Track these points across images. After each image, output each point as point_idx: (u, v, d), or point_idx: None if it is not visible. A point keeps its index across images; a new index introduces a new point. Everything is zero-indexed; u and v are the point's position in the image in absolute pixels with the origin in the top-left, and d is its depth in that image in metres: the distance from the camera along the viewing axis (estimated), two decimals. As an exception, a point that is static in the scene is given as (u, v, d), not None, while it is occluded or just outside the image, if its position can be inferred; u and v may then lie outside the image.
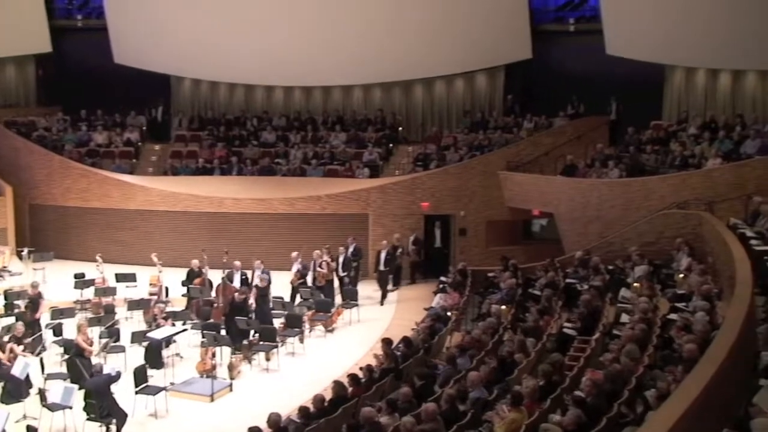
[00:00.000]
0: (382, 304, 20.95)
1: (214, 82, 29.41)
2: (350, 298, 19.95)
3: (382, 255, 21.73)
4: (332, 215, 23.45)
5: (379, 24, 26.24)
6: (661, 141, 21.98)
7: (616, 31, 23.30)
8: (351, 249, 21.39)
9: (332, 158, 25.93)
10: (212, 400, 14.54)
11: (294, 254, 20.42)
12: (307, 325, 18.37)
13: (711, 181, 19.17)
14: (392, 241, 22.15)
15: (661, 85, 23.98)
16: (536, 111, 25.45)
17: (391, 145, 26.51)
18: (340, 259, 20.91)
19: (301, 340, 17.72)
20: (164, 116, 29.02)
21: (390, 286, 21.74)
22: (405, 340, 14.48)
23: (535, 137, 24.25)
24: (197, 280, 19.30)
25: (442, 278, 20.19)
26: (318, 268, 20.29)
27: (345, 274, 20.85)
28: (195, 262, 19.68)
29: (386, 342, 14.02)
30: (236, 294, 17.88)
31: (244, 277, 19.56)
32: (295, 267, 20.33)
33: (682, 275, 15.86)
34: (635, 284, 16.06)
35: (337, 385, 12.09)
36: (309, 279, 20.25)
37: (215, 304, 18.44)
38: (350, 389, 12.11)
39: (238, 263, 19.66)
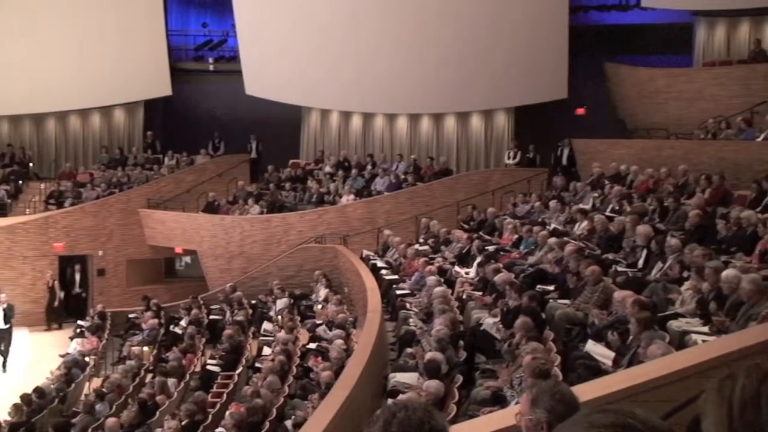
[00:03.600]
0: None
1: None
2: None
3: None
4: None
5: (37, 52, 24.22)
6: (299, 179, 22.85)
7: (255, 73, 23.90)
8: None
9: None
10: None
11: None
12: None
13: (345, 216, 20.31)
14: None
15: (299, 125, 24.97)
16: (177, 148, 25.17)
17: (20, 182, 24.59)
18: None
19: None
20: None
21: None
22: (37, 390, 13.42)
23: (177, 174, 23.94)
24: None
25: (80, 322, 19.08)
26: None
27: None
28: None
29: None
30: None
31: None
32: None
33: (320, 306, 16.51)
34: (277, 317, 16.41)
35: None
36: None
37: None
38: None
39: None
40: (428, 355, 8.99)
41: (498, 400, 7.76)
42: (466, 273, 14.12)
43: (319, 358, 12.43)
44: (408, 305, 13.39)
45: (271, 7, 23.11)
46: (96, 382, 15.47)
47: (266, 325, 16.27)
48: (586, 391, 4.76)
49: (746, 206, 12.01)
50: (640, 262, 11.06)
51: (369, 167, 22.64)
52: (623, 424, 1.69)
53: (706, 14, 22.04)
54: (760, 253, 9.87)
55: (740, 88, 19.51)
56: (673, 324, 8.10)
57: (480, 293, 12.45)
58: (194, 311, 17.98)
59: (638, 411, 1.73)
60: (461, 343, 9.89)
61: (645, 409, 1.72)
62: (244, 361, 14.63)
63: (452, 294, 12.96)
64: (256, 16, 23.45)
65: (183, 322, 17.55)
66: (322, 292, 17.38)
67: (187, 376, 13.97)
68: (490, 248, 15.12)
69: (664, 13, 22.26)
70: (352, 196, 20.96)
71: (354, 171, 22.26)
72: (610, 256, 11.90)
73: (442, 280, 13.72)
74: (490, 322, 10.15)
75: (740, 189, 13.52)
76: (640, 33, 23.33)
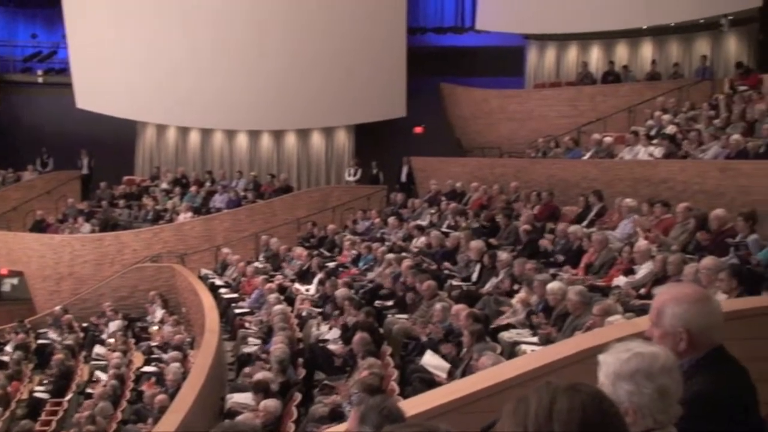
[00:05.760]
0: None
1: None
2: None
3: None
4: None
5: None
6: (133, 196, 22.13)
7: (86, 86, 22.95)
8: None
9: None
10: None
11: None
12: None
13: (182, 234, 19.82)
14: None
15: (134, 140, 24.19)
16: (3, 164, 23.80)
17: None
18: None
19: None
20: None
21: None
22: None
23: (3, 191, 22.64)
24: None
25: None
26: None
27: None
28: None
29: None
30: None
31: None
32: None
33: (156, 327, 16.02)
34: (109, 340, 15.80)
35: None
36: None
37: None
38: None
39: None
40: (257, 375, 8.90)
41: (336, 417, 7.74)
42: (306, 290, 14.08)
43: (153, 380, 12.02)
44: (247, 324, 13.23)
45: (103, 19, 22.28)
46: None
47: (98, 349, 15.65)
48: (419, 404, 4.80)
49: (573, 221, 12.58)
50: (474, 276, 11.37)
51: (207, 184, 22.21)
52: None
53: (537, 38, 23.10)
54: (585, 265, 10.35)
55: (568, 108, 20.53)
56: (505, 335, 8.35)
57: (320, 310, 12.45)
58: (21, 335, 17.02)
59: (441, 426, 1.75)
60: (300, 360, 9.83)
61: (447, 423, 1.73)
62: (74, 386, 14.01)
63: (292, 311, 12.89)
64: (88, 27, 22.56)
65: (8, 347, 16.60)
66: (158, 313, 16.89)
67: (13, 404, 13.23)
68: (330, 265, 15.16)
69: (497, 36, 23.14)
70: (189, 214, 20.48)
71: (192, 188, 21.76)
72: (446, 270, 12.17)
73: (282, 297, 13.64)
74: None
75: (568, 205, 14.14)
76: (474, 55, 24.13)
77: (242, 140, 23.77)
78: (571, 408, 1.81)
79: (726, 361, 2.88)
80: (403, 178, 21.45)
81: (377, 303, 11.46)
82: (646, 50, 21.80)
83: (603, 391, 2.05)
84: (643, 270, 9.06)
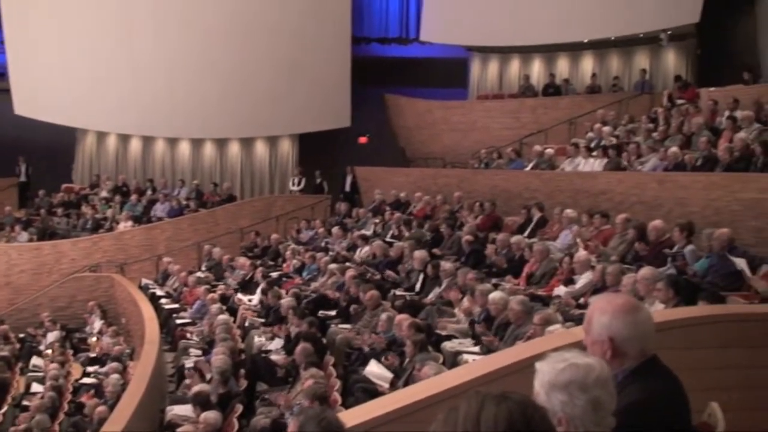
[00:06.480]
0: None
1: None
2: None
3: None
4: None
5: None
6: (72, 204, 21.72)
7: (25, 92, 22.48)
8: None
9: None
10: None
11: None
12: None
13: (123, 243, 19.54)
14: None
15: (73, 147, 23.75)
16: (-64, 171, 23.20)
17: None
18: None
19: None
20: None
21: None
22: None
23: (-65, 199, 22.07)
24: None
25: None
26: None
27: None
28: None
29: None
30: None
31: None
32: None
33: (95, 338, 15.76)
34: (47, 351, 15.47)
35: None
36: None
37: None
38: None
39: None
40: (195, 387, 8.80)
41: (277, 428, 7.68)
42: (249, 300, 13.99)
43: (92, 393, 11.81)
44: (188, 335, 13.08)
45: (42, 24, 21.88)
46: None
47: (35, 360, 15.34)
48: (360, 414, 4.79)
49: (515, 232, 12.71)
50: (417, 286, 11.41)
51: (149, 192, 21.93)
52: None
53: (480, 50, 23.32)
54: (527, 275, 10.46)
55: (511, 120, 20.77)
56: (447, 345, 8.39)
57: (262, 320, 12.36)
58: (-48, 347, 16.57)
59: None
60: (242, 371, 9.74)
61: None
62: (9, 399, 13.64)
63: (235, 322, 12.79)
64: (27, 33, 22.11)
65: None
66: (97, 323, 16.61)
67: (-56, 418, 12.83)
68: (274, 275, 15.08)
69: (441, 48, 23.31)
70: (130, 223, 20.18)
71: (133, 196, 21.45)
72: (390, 280, 12.19)
73: (225, 307, 13.52)
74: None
75: (510, 215, 14.28)
76: (419, 66, 24.26)
77: (185, 148, 23.51)
78: (497, 415, 1.87)
79: (659, 372, 2.93)
80: (347, 187, 21.47)
81: (321, 313, 11.42)
82: (587, 63, 22.17)
83: (532, 399, 2.09)
84: (583, 280, 9.20)
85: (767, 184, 10.15)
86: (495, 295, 8.65)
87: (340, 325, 10.72)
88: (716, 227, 8.87)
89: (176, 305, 15.38)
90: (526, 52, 22.58)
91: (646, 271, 7.79)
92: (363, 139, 23.54)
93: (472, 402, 1.91)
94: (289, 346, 9.99)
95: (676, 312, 6.26)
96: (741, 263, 7.97)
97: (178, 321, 14.06)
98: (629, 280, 7.88)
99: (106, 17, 21.69)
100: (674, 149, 12.62)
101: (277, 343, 10.71)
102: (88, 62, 21.77)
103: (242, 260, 16.71)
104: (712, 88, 16.09)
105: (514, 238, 11.66)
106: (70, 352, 15.69)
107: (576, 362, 2.43)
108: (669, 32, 19.73)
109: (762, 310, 6.47)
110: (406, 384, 7.06)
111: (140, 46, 21.67)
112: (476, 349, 8.20)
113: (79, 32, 21.66)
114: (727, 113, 13.48)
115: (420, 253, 11.90)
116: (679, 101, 16.68)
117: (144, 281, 18.01)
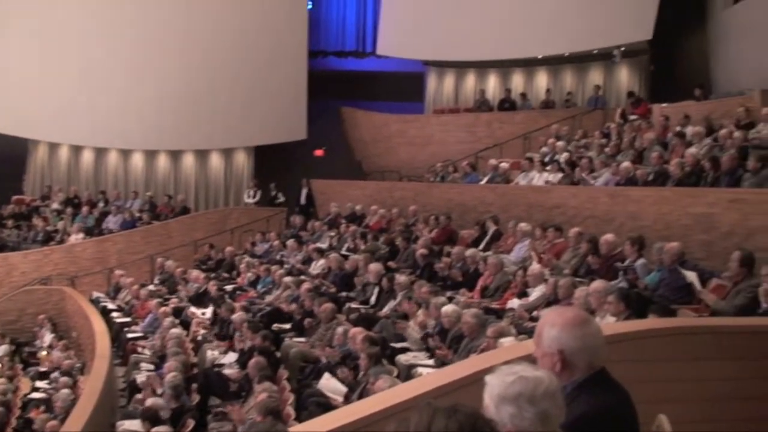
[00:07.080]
0: None
1: None
2: None
3: None
4: None
5: None
6: (23, 216, 21.32)
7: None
8: None
9: None
10: None
11: None
12: None
13: (74, 255, 19.25)
14: None
15: (24, 158, 23.35)
16: None
17: None
18: None
19: None
20: None
21: None
22: None
23: None
24: None
25: None
26: None
27: None
28: None
29: None
30: None
31: None
32: None
33: (45, 352, 15.49)
34: (-5, 365, 15.17)
35: None
36: None
37: None
38: None
39: None
40: (147, 402, 8.69)
41: (230, 443, 7.61)
42: (202, 313, 13.84)
43: (42, 408, 11.58)
44: (140, 349, 12.91)
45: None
46: None
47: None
48: (314, 428, 4.76)
49: (470, 245, 12.77)
50: (372, 299, 11.40)
51: (101, 204, 21.63)
52: None
53: (436, 65, 23.47)
54: (481, 288, 10.51)
55: (466, 134, 20.91)
56: (401, 358, 8.39)
57: (215, 334, 12.25)
58: None
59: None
60: (194, 386, 9.63)
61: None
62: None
63: (187, 335, 12.64)
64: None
65: None
66: (47, 337, 16.33)
67: None
68: (228, 288, 14.97)
69: (397, 61, 23.41)
70: (81, 235, 19.88)
71: (85, 208, 21.13)
72: (345, 293, 12.16)
73: (177, 321, 13.36)
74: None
75: (465, 228, 14.35)
76: (375, 80, 24.33)
77: (138, 160, 23.23)
78: (448, 427, 1.87)
79: (607, 384, 2.96)
80: (303, 200, 21.42)
81: (275, 326, 11.36)
82: (541, 79, 22.43)
83: (481, 412, 2.10)
84: (536, 293, 9.27)
85: (717, 199, 10.32)
86: (448, 308, 8.68)
87: (295, 339, 10.66)
88: (667, 241, 8.98)
89: (128, 319, 15.19)
90: (482, 67, 22.78)
91: (597, 284, 7.88)
92: (319, 152, 23.52)
93: (423, 414, 1.91)
94: (242, 360, 9.91)
95: (627, 325, 6.32)
96: (691, 276, 8.09)
97: (130, 335, 13.87)
98: (581, 293, 7.95)
99: (58, 27, 21.39)
100: (626, 164, 12.80)
101: (231, 357, 10.62)
102: (40, 73, 21.44)
103: (196, 273, 16.54)
104: (664, 104, 16.39)
105: (469, 252, 11.72)
106: (20, 366, 15.41)
107: (525, 375, 2.44)
108: (622, 49, 20.06)
109: (712, 323, 6.56)
110: (360, 397, 7.04)
111: (93, 56, 21.41)
112: (430, 362, 8.21)
113: (30, 42, 21.33)
114: (677, 128, 13.73)
115: (375, 266, 11.90)
116: (632, 117, 16.94)
117: (95, 294, 17.77)
